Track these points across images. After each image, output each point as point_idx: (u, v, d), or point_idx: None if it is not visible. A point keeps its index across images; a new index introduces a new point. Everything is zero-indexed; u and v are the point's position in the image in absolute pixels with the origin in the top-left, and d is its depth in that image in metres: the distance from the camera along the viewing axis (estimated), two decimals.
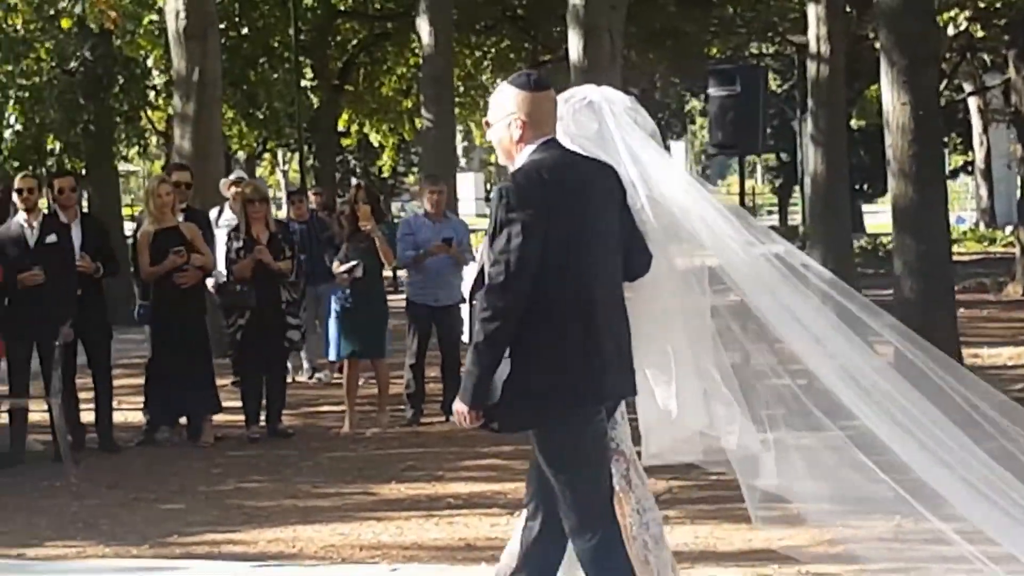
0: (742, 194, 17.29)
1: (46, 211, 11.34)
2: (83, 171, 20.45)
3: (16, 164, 20.49)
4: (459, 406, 5.15)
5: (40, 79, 21.84)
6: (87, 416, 11.38)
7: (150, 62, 22.40)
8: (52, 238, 10.82)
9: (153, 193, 11.37)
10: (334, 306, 11.97)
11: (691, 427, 5.49)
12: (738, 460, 5.46)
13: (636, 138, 5.53)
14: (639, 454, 5.65)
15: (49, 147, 21.50)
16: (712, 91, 16.45)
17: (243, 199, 11.86)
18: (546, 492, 5.29)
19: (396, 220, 19.18)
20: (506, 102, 5.30)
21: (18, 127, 20.94)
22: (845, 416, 5.45)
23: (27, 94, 21.44)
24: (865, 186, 42.32)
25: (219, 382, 11.99)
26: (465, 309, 5.63)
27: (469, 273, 5.70)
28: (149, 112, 26.29)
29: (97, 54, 21.85)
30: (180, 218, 11.58)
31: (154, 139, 30.99)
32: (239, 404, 11.88)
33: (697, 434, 5.51)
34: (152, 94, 24.74)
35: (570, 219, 5.13)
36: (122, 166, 32.59)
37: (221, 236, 12.22)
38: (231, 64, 23.09)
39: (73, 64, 22.01)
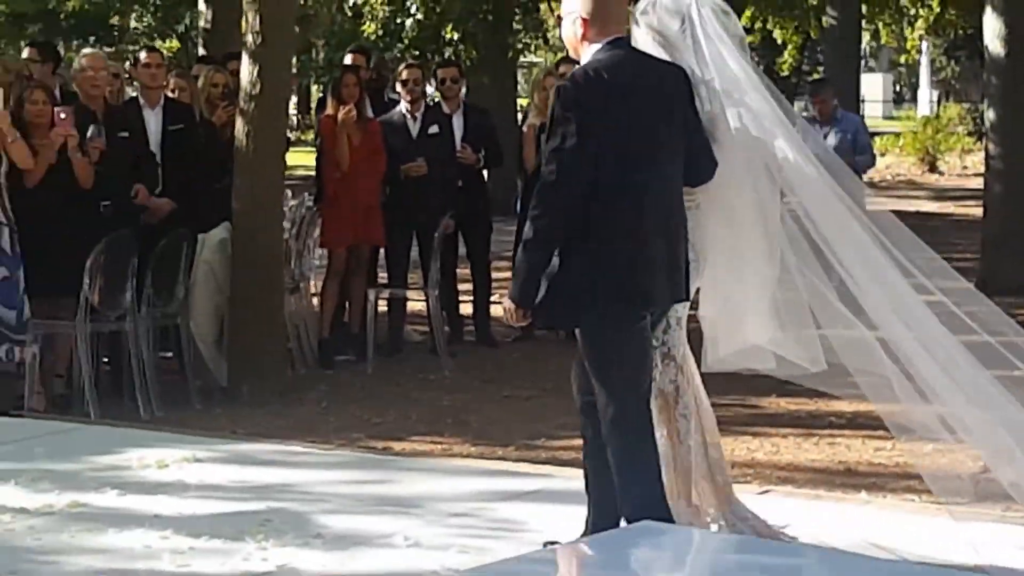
0: None
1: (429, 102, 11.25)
2: (469, 62, 20.37)
3: (416, 53, 20.66)
4: (506, 302, 5.21)
5: None
6: (465, 308, 11.30)
7: None
8: (434, 129, 10.70)
9: (538, 86, 11.09)
10: None
11: (757, 338, 5.41)
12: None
13: (720, 43, 5.40)
14: (700, 362, 5.57)
15: (447, 36, 21.57)
16: None
17: None
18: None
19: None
20: (573, 2, 5.20)
21: (419, 16, 21.07)
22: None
23: None
24: None
25: None
26: None
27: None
28: (549, 3, 26.15)
29: None
30: None
31: (556, 31, 30.89)
32: None
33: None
34: None
35: (626, 121, 5.08)
36: (525, 58, 32.66)
37: None
38: None
39: None
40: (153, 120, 9.65)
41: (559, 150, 5.02)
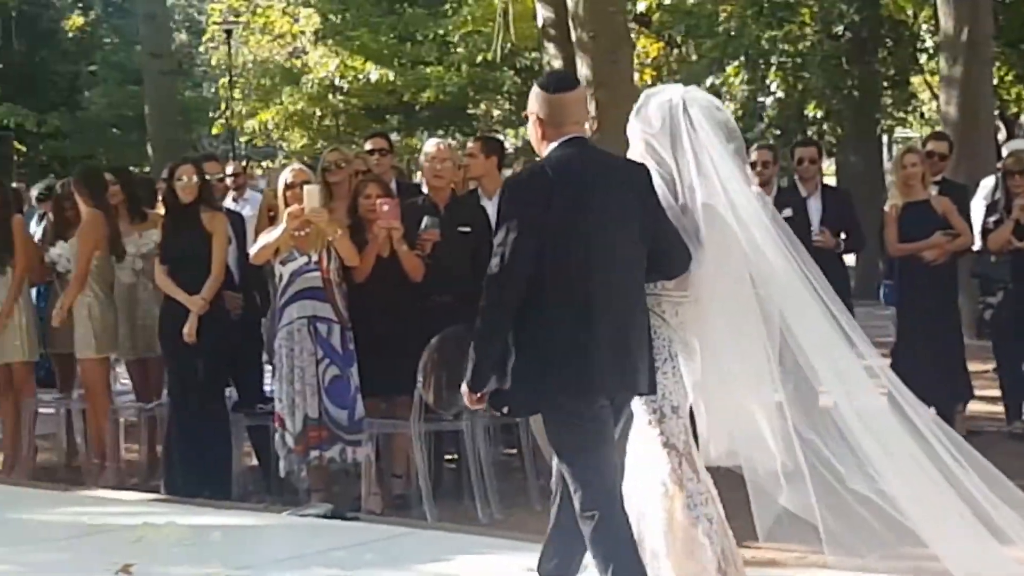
0: None
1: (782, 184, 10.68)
2: (835, 140, 19.72)
3: (777, 132, 20.14)
4: (463, 388, 5.38)
5: (804, 44, 21.38)
6: None
7: (918, 23, 21.39)
8: (787, 212, 10.06)
9: (898, 163, 10.39)
10: None
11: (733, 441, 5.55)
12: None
13: (708, 141, 5.52)
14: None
15: (810, 113, 20.99)
16: None
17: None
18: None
19: None
20: (531, 101, 5.44)
21: (780, 94, 20.58)
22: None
23: (790, 60, 21.05)
24: None
25: (974, 367, 10.80)
26: None
27: None
28: (919, 76, 25.23)
29: (863, 16, 21.12)
30: (933, 191, 10.47)
31: (932, 104, 29.77)
32: (997, 394, 10.66)
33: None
34: (923, 57, 23.63)
35: (570, 215, 5.20)
36: (898, 132, 31.62)
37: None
38: (1007, 22, 21.49)
39: (838, 28, 21.39)
40: (491, 209, 9.37)
41: (501, 244, 5.20)
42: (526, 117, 5.56)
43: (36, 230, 11.44)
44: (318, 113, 27.17)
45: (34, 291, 10.81)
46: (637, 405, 5.57)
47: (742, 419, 5.54)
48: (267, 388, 9.45)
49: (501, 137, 27.98)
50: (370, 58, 25.38)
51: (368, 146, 10.13)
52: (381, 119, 27.14)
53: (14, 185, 13.78)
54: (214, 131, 31.60)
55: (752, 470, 5.51)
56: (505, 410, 5.51)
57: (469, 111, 28.12)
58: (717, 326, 5.54)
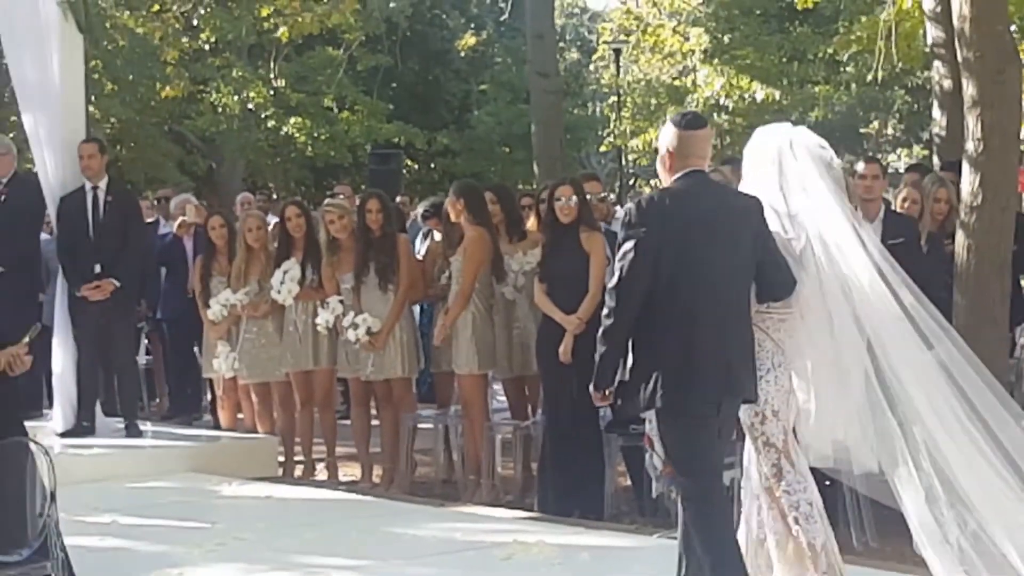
0: None
1: None
2: None
3: None
4: (591, 388, 6.06)
5: None
6: None
7: None
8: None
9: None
10: None
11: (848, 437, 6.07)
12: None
13: (812, 176, 6.11)
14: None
15: None
16: None
17: None
18: None
19: None
20: (663, 136, 6.08)
21: None
22: None
23: None
24: None
25: None
26: None
27: None
28: None
29: None
30: None
31: None
32: None
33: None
34: None
35: (683, 240, 5.84)
36: None
37: None
38: None
39: None
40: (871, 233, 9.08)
41: (622, 259, 5.87)
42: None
43: (420, 247, 11.73)
44: None
45: (416, 308, 11.08)
46: (743, 411, 6.14)
47: (841, 426, 6.09)
48: None
49: (893, 157, 27.34)
50: (756, 77, 25.14)
51: None
52: None
53: (398, 200, 14.17)
54: (601, 149, 31.90)
55: (848, 474, 6.17)
56: (619, 404, 6.08)
57: (860, 130, 27.50)
58: (820, 341, 6.11)
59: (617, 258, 5.94)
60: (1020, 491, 5.93)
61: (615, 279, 5.90)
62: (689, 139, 6.02)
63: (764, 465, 6.19)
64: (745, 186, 6.28)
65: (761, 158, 6.25)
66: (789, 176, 6.17)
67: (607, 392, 6.01)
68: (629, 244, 5.87)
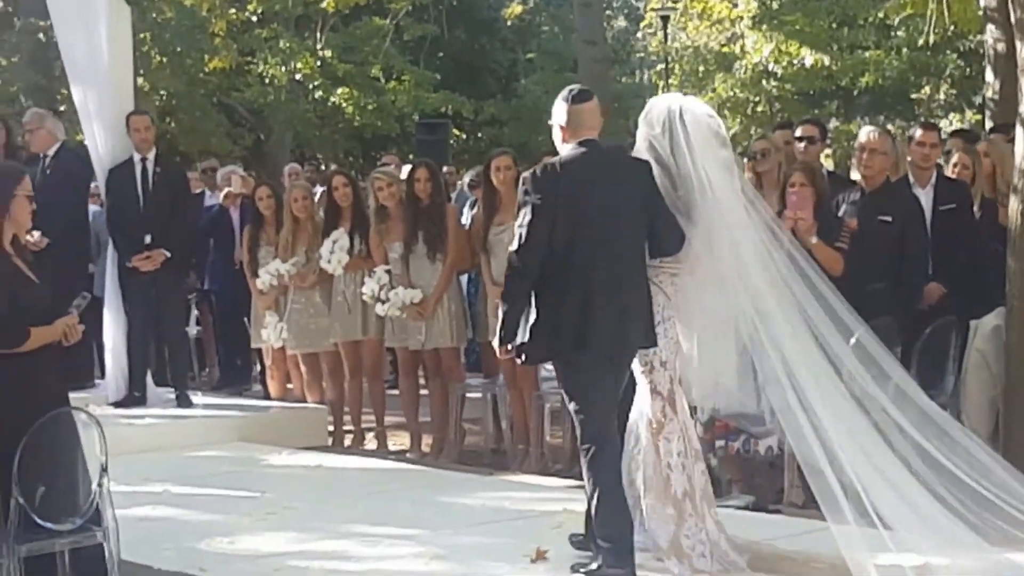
0: None
1: None
2: None
3: None
4: (494, 342, 6.75)
5: None
6: None
7: None
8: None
9: None
10: None
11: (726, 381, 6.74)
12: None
13: (699, 142, 6.58)
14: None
15: None
16: None
17: None
18: None
19: None
20: (556, 112, 6.65)
21: None
22: None
23: None
24: None
25: None
26: None
27: None
28: None
29: None
30: None
31: None
32: None
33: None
34: None
35: (575, 203, 6.41)
36: None
37: None
38: None
39: None
40: (924, 199, 9.01)
41: (520, 226, 6.46)
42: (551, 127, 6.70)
43: (467, 217, 11.72)
44: (752, 99, 26.91)
45: (464, 278, 11.08)
46: (636, 358, 6.68)
47: (722, 371, 6.71)
48: None
49: (945, 122, 27.04)
50: (805, 43, 24.92)
51: (798, 132, 9.87)
52: (819, 105, 26.62)
53: (445, 169, 14.15)
54: None
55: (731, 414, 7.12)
56: (523, 358, 6.60)
57: (911, 96, 27.25)
58: (706, 295, 6.67)
59: (516, 224, 6.53)
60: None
61: (515, 243, 6.46)
62: (578, 112, 6.59)
63: (650, 410, 6.73)
64: (639, 151, 6.70)
65: (653, 125, 6.69)
66: (679, 140, 6.60)
67: (510, 347, 6.53)
68: (527, 210, 6.43)
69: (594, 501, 6.46)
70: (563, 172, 6.47)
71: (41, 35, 23.83)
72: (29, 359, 6.20)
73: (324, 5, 26.33)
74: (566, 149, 6.60)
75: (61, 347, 6.36)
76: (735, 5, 27.58)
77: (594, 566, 6.50)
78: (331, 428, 11.33)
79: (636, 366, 6.74)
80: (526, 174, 6.59)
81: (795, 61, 25.12)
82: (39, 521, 5.99)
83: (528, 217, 6.41)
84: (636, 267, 6.57)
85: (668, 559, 6.60)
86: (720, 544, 6.69)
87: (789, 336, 6.48)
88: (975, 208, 9.14)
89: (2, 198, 6.27)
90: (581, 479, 9.01)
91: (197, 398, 11.86)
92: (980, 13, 13.50)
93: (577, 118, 6.59)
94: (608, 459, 6.50)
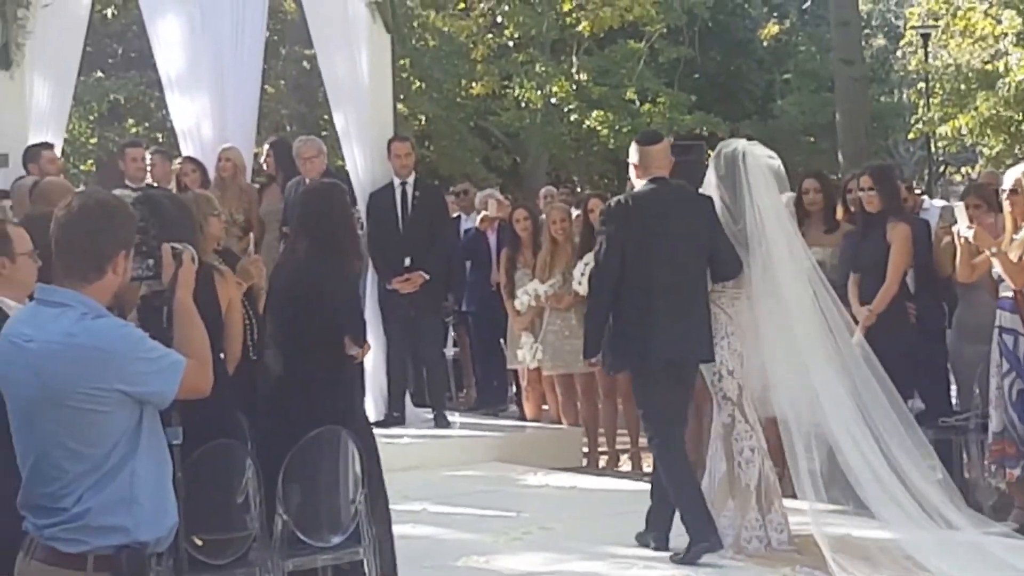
0: None
1: None
2: None
3: None
4: (582, 356, 8.14)
5: None
6: None
7: None
8: None
9: None
10: None
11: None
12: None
13: (757, 183, 7.57)
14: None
15: None
16: None
17: None
18: None
19: None
20: (631, 153, 7.72)
21: None
22: None
23: None
24: None
25: None
26: None
27: None
28: None
29: None
30: None
31: None
32: None
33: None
34: None
35: (645, 232, 7.45)
36: None
37: None
38: None
39: None
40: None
41: (597, 254, 7.62)
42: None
43: None
44: (1016, 118, 26.09)
45: None
46: (704, 371, 7.64)
47: (782, 383, 7.52)
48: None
49: None
50: None
51: None
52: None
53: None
54: (909, 137, 31.10)
55: (784, 423, 7.51)
56: (606, 369, 8.01)
57: None
58: (761, 317, 7.59)
59: (595, 251, 7.65)
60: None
61: (595, 267, 7.66)
62: (648, 153, 7.66)
63: (721, 416, 7.65)
64: (707, 186, 7.69)
65: (720, 164, 7.65)
66: (740, 180, 7.55)
67: (594, 360, 7.76)
68: (601, 239, 7.54)
69: (671, 490, 7.43)
70: (634, 206, 7.52)
71: (305, 63, 24.57)
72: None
73: (579, 29, 26.52)
74: (638, 185, 7.64)
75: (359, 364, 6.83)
76: (999, 22, 26.81)
77: (685, 549, 7.33)
78: (585, 449, 11.37)
79: (706, 378, 7.69)
80: (602, 207, 7.73)
81: None
82: (302, 537, 6.16)
83: (603, 246, 7.50)
84: (698, 290, 7.54)
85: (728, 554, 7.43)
86: (781, 535, 7.55)
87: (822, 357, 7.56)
88: None
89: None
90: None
91: (454, 418, 12.02)
92: None
93: (647, 158, 7.63)
94: (672, 450, 7.50)
